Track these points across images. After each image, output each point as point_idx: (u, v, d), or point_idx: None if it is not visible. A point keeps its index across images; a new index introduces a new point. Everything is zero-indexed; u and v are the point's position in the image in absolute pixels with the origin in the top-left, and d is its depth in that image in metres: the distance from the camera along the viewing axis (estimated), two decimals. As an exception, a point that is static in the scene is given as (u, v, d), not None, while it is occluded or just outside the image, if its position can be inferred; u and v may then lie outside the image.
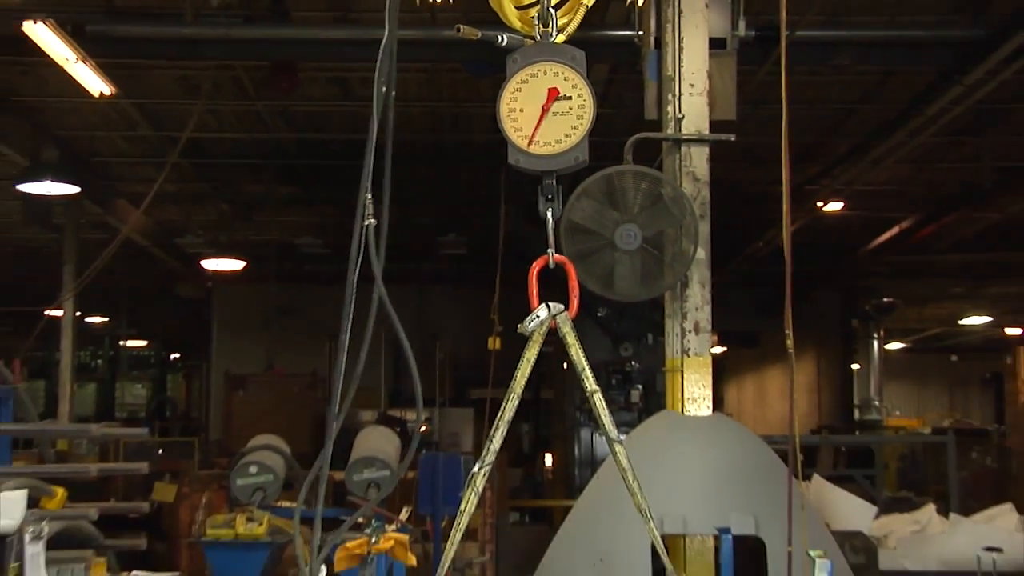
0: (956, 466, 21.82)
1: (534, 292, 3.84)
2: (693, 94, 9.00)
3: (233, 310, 29.10)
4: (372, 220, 3.56)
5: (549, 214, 3.87)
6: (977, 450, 26.02)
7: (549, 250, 3.86)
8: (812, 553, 6.53)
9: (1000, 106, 16.27)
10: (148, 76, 16.00)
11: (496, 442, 3.85)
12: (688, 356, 8.96)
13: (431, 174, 15.99)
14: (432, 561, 11.84)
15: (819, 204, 19.92)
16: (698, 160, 9.00)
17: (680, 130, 8.96)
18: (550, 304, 3.77)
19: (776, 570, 8.00)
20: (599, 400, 3.95)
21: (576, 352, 3.87)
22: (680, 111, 8.95)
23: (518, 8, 3.94)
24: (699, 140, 8.99)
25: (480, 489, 3.84)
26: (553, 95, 3.91)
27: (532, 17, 3.95)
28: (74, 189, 19.02)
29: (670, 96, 9.02)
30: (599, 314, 17.54)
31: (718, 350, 8.41)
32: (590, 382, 3.92)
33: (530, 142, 3.91)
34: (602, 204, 8.60)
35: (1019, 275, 22.77)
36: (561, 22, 3.94)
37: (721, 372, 8.90)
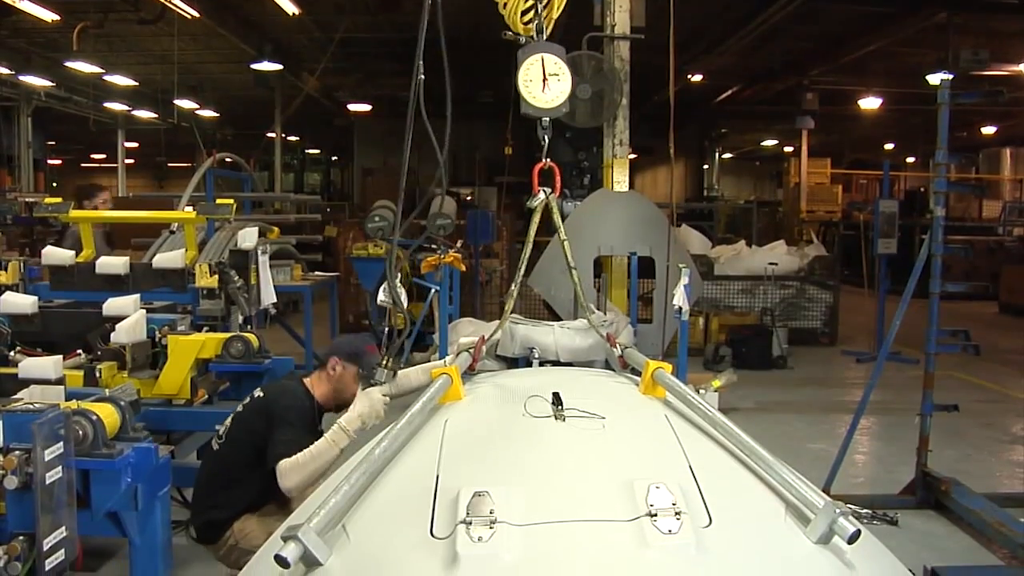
0: (756, 220, 21.75)
1: (535, 182, 3.63)
2: (621, 11, 8.60)
3: (365, 132, 28.67)
4: (422, 76, 3.32)
5: (546, 139, 3.64)
6: (766, 211, 25.89)
7: (546, 158, 3.66)
8: (680, 265, 6.43)
9: (783, 26, 15.66)
10: (318, 3, 15.43)
11: (520, 273, 3.68)
12: (616, 158, 8.74)
13: (474, 56, 15.43)
14: (474, 268, 11.83)
15: (689, 76, 19.41)
16: (623, 49, 8.65)
17: (613, 32, 8.62)
18: (544, 188, 3.57)
19: (660, 275, 7.93)
20: (567, 244, 3.79)
21: (557, 216, 3.66)
22: (614, 21, 8.57)
23: (524, 23, 3.72)
24: (623, 37, 8.64)
25: (515, 295, 3.67)
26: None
27: (531, 24, 3.72)
28: (279, 67, 18.82)
29: (608, 12, 8.64)
30: (567, 135, 17.13)
31: (632, 156, 8.22)
32: (562, 232, 3.74)
33: (536, 100, 3.74)
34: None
35: (789, 119, 22.47)
36: (546, 25, 3.74)
37: (632, 168, 8.71)
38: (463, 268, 9.52)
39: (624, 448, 2.22)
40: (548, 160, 3.68)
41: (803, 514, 1.90)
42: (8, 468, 2.79)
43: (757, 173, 38.72)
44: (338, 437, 3.56)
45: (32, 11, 13.70)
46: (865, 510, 5.76)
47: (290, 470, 3.57)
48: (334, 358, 4.11)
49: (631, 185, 9.19)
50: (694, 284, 6.76)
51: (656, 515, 1.76)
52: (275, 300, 6.47)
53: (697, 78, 20.15)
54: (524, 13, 3.69)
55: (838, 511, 1.80)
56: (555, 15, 3.78)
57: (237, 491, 3.89)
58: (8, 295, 5.15)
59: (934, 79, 15.55)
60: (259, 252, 6.13)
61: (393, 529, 1.89)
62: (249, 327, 5.85)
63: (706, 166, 30.99)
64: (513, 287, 3.69)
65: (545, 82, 3.61)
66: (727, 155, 34.95)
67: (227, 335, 4.93)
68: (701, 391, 5.84)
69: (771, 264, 13.23)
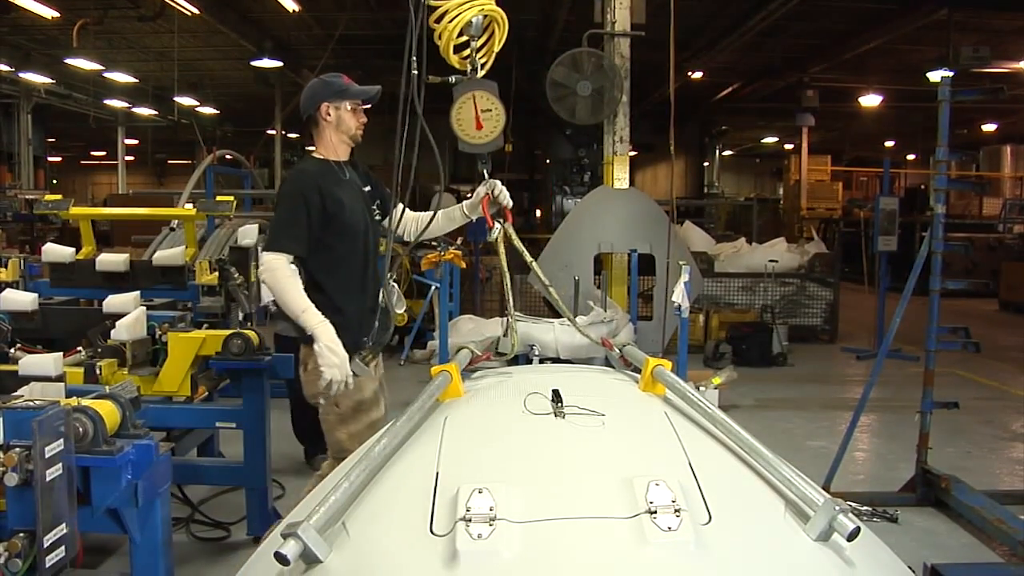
0: (756, 217, 21.72)
1: (487, 215, 3.69)
2: (622, 8, 8.61)
3: (365, 129, 28.63)
4: (415, 71, 3.31)
5: (485, 171, 3.75)
6: (767, 209, 25.82)
7: (489, 192, 3.75)
8: (680, 262, 6.43)
9: (784, 23, 15.79)
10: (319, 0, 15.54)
11: (510, 301, 3.66)
12: (616, 155, 8.75)
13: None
14: (474, 265, 11.82)
15: (689, 73, 19.39)
16: (623, 46, 8.67)
17: (614, 28, 8.62)
18: (499, 220, 3.65)
19: (660, 272, 7.94)
20: (536, 265, 3.74)
21: (518, 243, 3.70)
22: (615, 18, 8.59)
23: (456, 54, 3.69)
24: (624, 34, 8.66)
25: (514, 311, 3.71)
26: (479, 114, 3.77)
27: (466, 59, 3.67)
28: (279, 63, 18.84)
29: (609, 9, 8.65)
30: (567, 132, 17.19)
31: (632, 153, 8.22)
32: (527, 256, 3.74)
33: (470, 137, 3.76)
34: (569, 69, 8.42)
35: (789, 116, 22.49)
36: (481, 62, 3.72)
37: (633, 165, 8.72)
38: (463, 265, 9.52)
39: (624, 445, 2.22)
40: (492, 192, 3.72)
41: (803, 511, 1.89)
42: (8, 465, 2.77)
43: (757, 170, 38.78)
44: (310, 319, 3.56)
45: (32, 8, 13.67)
46: (865, 507, 5.74)
47: (272, 273, 3.64)
48: (323, 105, 3.92)
49: (631, 182, 9.19)
50: (694, 281, 6.78)
51: (656, 512, 1.76)
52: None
53: (697, 75, 20.16)
54: (458, 49, 3.68)
55: (838, 508, 1.80)
56: (496, 48, 3.77)
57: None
58: (8, 292, 5.16)
59: (934, 76, 15.54)
60: (260, 247, 6.07)
61: (393, 526, 1.89)
62: (249, 324, 5.89)
63: (706, 163, 30.95)
64: (509, 317, 3.70)
65: (478, 119, 3.64)
66: (727, 152, 34.95)
67: (227, 332, 4.90)
68: (701, 388, 5.83)
69: (771, 261, 13.21)
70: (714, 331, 12.02)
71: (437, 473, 2.01)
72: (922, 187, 23.20)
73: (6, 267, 5.98)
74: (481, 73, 3.73)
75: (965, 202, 22.67)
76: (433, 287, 9.21)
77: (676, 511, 1.76)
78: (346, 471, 2.04)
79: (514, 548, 1.71)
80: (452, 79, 3.75)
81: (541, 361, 4.84)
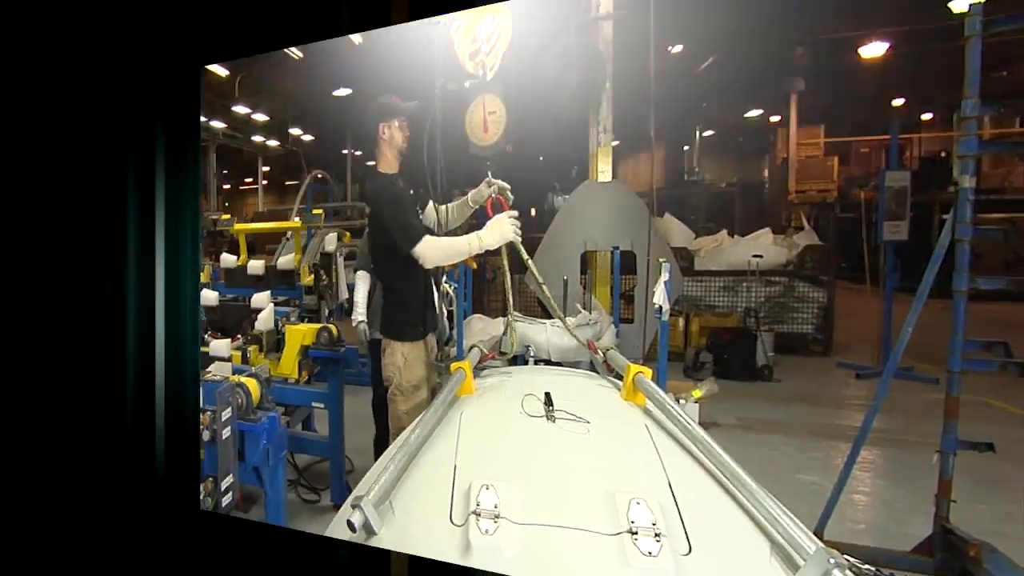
0: (739, 205, 21.43)
1: (491, 215, 4.06)
2: (605, -7, 8.66)
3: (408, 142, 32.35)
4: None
5: (490, 174, 4.15)
6: (752, 194, 25.16)
7: (493, 192, 4.16)
8: (660, 259, 6.43)
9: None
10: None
11: (510, 302, 4.22)
12: (600, 147, 8.79)
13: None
14: (482, 265, 11.89)
15: (669, 48, 18.72)
16: (607, 31, 8.71)
17: (597, 12, 8.65)
18: None
19: (641, 270, 7.99)
20: (532, 263, 4.12)
21: (519, 245, 4.07)
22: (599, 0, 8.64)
23: (469, 59, 4.08)
24: (607, 17, 8.68)
25: (514, 311, 4.37)
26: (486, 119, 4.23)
27: (478, 63, 4.06)
28: (350, 91, 21.63)
29: (592, -6, 8.69)
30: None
31: (615, 143, 8.25)
32: (523, 252, 4.11)
33: (479, 139, 4.27)
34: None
35: (774, 84, 21.26)
36: (491, 63, 4.06)
37: (616, 156, 8.78)
38: (474, 266, 9.55)
39: (607, 456, 2.46)
40: (496, 194, 4.13)
41: (790, 557, 1.87)
42: (205, 424, 3.91)
43: (742, 149, 38.09)
44: (472, 242, 4.11)
45: (214, 69, 18.17)
46: (866, 566, 5.23)
47: (431, 250, 4.15)
48: (379, 125, 4.37)
49: (614, 175, 9.18)
50: (674, 280, 6.74)
51: (636, 533, 1.92)
52: (348, 296, 8.07)
53: (677, 48, 19.09)
54: (473, 55, 3.93)
55: (833, 561, 1.76)
56: (504, 49, 3.98)
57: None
58: (203, 291, 6.92)
59: (959, 5, 13.55)
60: (338, 254, 8.37)
61: (423, 512, 2.26)
62: (331, 319, 7.86)
63: (687, 148, 29.90)
64: (510, 317, 3.99)
65: (485, 122, 3.85)
66: (708, 132, 34.22)
67: (318, 325, 6.26)
68: (681, 401, 5.81)
69: (755, 256, 12.58)
70: (694, 336, 11.26)
71: (455, 466, 2.39)
72: (942, 154, 19.65)
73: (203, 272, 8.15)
74: (490, 75, 3.96)
75: (1005, 171, 18.63)
76: (451, 287, 9.44)
77: (656, 535, 1.90)
78: (392, 455, 2.49)
79: (514, 547, 1.99)
80: (467, 83, 4.00)
81: (536, 362, 4.95)
